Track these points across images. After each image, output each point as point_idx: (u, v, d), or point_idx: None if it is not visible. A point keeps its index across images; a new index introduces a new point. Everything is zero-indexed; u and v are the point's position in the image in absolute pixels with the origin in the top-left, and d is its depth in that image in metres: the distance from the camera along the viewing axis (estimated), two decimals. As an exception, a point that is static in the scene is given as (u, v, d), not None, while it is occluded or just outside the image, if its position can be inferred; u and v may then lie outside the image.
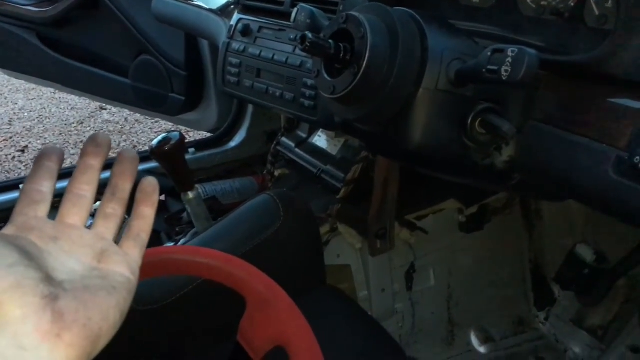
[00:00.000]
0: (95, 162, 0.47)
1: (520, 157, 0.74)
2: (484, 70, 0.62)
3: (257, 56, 1.10)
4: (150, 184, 0.49)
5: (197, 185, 1.60)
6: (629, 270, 1.18)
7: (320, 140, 1.31)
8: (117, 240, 0.47)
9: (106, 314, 0.39)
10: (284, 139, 1.38)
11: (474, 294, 1.38)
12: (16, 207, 0.43)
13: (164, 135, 1.10)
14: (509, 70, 0.59)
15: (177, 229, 1.35)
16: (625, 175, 0.62)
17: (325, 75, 0.72)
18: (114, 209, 0.47)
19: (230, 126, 1.96)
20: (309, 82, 0.99)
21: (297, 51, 1.02)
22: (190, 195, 1.15)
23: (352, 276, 1.26)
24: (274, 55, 1.07)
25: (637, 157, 0.60)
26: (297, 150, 1.34)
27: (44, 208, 0.44)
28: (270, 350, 0.69)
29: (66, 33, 1.94)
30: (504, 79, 0.59)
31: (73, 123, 3.34)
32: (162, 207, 1.58)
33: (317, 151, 1.30)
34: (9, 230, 0.41)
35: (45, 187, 0.44)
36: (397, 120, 0.72)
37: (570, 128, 0.69)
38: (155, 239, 1.49)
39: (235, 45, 1.16)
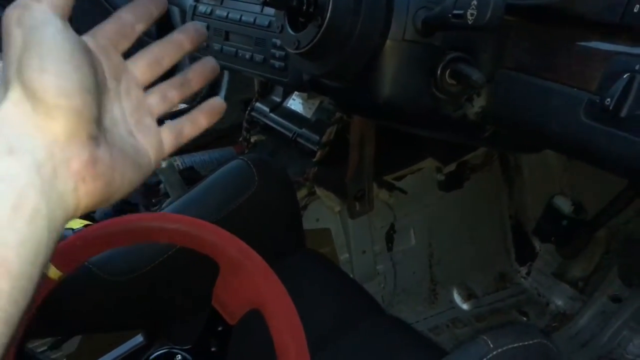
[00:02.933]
0: (187, 45, 0.46)
1: (492, 106, 0.73)
2: (450, 15, 0.60)
3: (224, 18, 1.07)
4: (221, 105, 0.49)
5: (174, 157, 1.58)
6: (607, 221, 1.18)
7: (295, 103, 1.29)
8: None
9: (122, 184, 0.38)
10: (258, 104, 1.35)
11: (455, 251, 1.38)
12: (103, 24, 0.42)
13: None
14: (475, 13, 0.57)
15: (154, 200, 1.33)
16: (597, 118, 0.60)
17: (289, 30, 0.70)
18: (174, 96, 0.46)
19: (205, 96, 1.93)
20: (279, 42, 0.96)
21: (265, 11, 0.99)
22: (163, 164, 1.12)
23: (332, 239, 1.25)
24: (241, 16, 1.03)
25: (608, 100, 0.58)
26: (271, 115, 1.31)
27: (125, 45, 0.43)
28: (246, 313, 0.69)
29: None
30: (470, 23, 0.58)
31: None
32: (139, 180, 1.56)
33: (292, 115, 1.27)
34: (89, 41, 0.40)
35: (139, 28, 0.43)
36: (365, 74, 0.70)
37: (541, 74, 0.67)
38: (132, 212, 1.47)
39: (202, 8, 1.13)
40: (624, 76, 0.58)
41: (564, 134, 0.65)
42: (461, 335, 1.32)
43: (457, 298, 1.40)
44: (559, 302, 1.35)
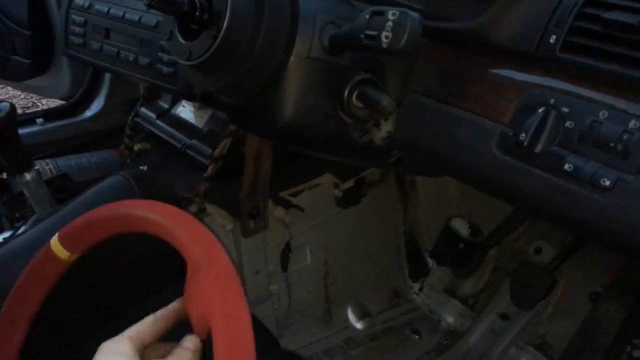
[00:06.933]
0: None
1: (399, 132, 0.69)
2: (362, 35, 0.54)
3: (105, 14, 0.95)
4: None
5: (46, 160, 1.41)
6: (499, 241, 1.20)
7: (185, 111, 1.18)
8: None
9: None
10: (143, 110, 1.24)
11: (351, 269, 1.35)
12: None
13: (-12, 106, 0.92)
14: (390, 36, 0.52)
15: (17, 215, 1.17)
16: (510, 152, 0.58)
17: (179, 38, 0.61)
18: None
19: (85, 93, 1.77)
20: (167, 45, 0.86)
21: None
22: (28, 176, 0.98)
23: (223, 259, 1.17)
24: (124, 13, 0.93)
25: (523, 134, 0.56)
26: (158, 122, 1.20)
27: None
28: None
29: None
30: (384, 46, 0.52)
31: None
32: (1, 188, 1.37)
33: (181, 123, 1.17)
34: None
35: None
36: (265, 92, 0.63)
37: (452, 101, 0.64)
38: (-5, 224, 1.29)
39: (79, 1, 1.00)
40: (539, 110, 0.56)
41: (474, 166, 0.62)
42: (355, 357, 1.28)
43: (351, 317, 1.36)
44: (450, 319, 1.36)
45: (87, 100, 1.77)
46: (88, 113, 1.75)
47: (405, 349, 1.32)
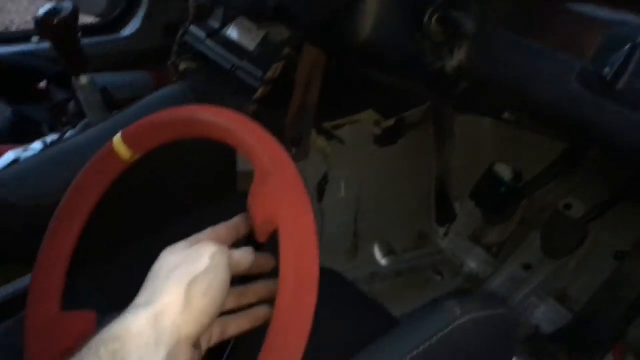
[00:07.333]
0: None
1: (472, 62, 0.69)
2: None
3: None
4: (265, 315, 0.57)
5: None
6: (536, 191, 1.21)
7: (236, 32, 1.18)
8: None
9: None
10: (193, 28, 1.23)
11: (381, 207, 1.37)
12: None
13: (52, 5, 0.92)
14: (493, -46, 0.52)
15: (64, 120, 1.18)
16: (590, 87, 0.58)
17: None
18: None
19: (123, 12, 1.75)
20: (235, -42, 0.85)
21: None
22: (84, 80, 0.99)
23: (262, 183, 1.18)
24: None
25: (607, 69, 0.56)
26: (207, 42, 1.19)
27: None
28: (272, 232, 0.58)
29: None
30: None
31: None
32: (44, 96, 1.38)
33: (232, 44, 1.16)
34: None
35: None
36: (348, 7, 0.63)
37: (532, 34, 0.64)
38: (35, 132, 1.30)
39: None
40: (626, 47, 0.56)
41: (550, 99, 0.62)
42: (379, 290, 1.32)
43: (377, 253, 1.39)
44: (473, 265, 1.39)
45: (124, 19, 1.75)
46: (125, 33, 1.74)
47: (427, 288, 1.36)
